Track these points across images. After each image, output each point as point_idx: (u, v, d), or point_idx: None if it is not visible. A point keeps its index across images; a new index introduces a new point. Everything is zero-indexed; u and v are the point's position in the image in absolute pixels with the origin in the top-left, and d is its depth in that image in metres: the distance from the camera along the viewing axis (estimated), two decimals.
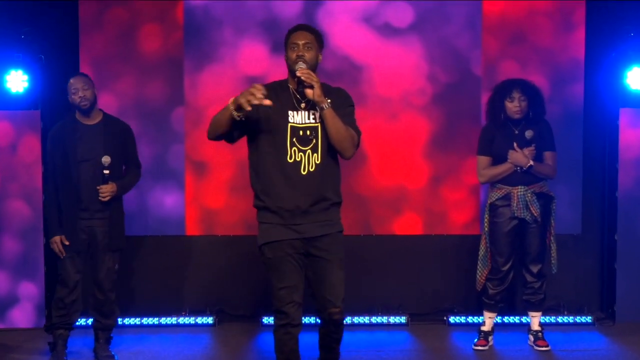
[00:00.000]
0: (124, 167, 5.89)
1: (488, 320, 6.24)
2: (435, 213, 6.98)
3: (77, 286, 5.80)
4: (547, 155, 6.06)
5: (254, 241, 6.56)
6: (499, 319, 6.64)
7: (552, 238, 6.09)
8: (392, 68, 6.89)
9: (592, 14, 6.89)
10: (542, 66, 6.87)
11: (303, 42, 4.47)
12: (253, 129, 4.44)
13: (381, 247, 6.95)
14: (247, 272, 6.91)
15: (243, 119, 4.31)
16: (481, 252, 6.17)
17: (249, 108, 4.23)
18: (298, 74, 4.35)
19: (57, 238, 5.71)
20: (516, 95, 5.95)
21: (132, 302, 6.88)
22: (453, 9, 6.89)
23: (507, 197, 6.01)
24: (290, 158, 4.40)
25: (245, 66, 6.87)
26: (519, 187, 5.98)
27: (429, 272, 7.00)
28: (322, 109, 4.39)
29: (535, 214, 5.96)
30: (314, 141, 4.44)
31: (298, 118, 4.45)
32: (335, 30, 6.79)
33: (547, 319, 6.72)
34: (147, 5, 6.85)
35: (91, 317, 6.00)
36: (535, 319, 6.20)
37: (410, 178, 6.97)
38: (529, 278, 6.11)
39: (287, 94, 4.50)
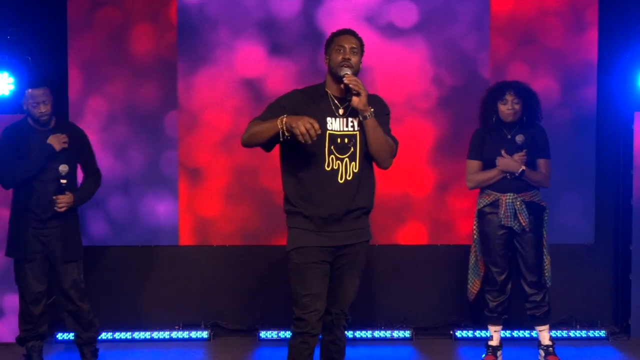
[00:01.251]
0: (82, 175, 5.94)
1: (494, 334, 6.18)
2: (441, 222, 6.92)
3: (41, 298, 5.81)
4: (541, 162, 6.01)
5: (251, 251, 6.83)
6: (507, 333, 6.60)
7: (545, 250, 6.03)
8: (396, 70, 6.84)
9: (605, 13, 6.84)
10: (552, 68, 6.83)
11: (350, 46, 4.53)
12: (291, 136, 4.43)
13: (384, 258, 6.89)
14: (243, 284, 6.90)
15: (289, 139, 4.33)
16: (471, 261, 6.18)
17: (302, 141, 4.25)
18: (346, 80, 4.40)
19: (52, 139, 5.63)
20: (509, 97, 5.91)
21: (123, 316, 6.82)
22: (460, 8, 6.83)
23: (495, 204, 5.99)
24: (328, 166, 4.46)
25: (241, 68, 6.83)
26: (508, 194, 5.94)
27: (435, 284, 6.94)
28: (365, 118, 4.44)
29: (524, 224, 5.92)
30: (352, 149, 4.50)
31: (336, 125, 4.50)
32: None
33: (558, 333, 6.66)
34: (138, 5, 6.80)
35: (72, 332, 6.03)
36: (544, 333, 6.13)
37: (415, 185, 6.92)
38: (527, 290, 6.06)
39: (325, 99, 4.53)
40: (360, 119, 4.47)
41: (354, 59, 4.51)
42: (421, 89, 6.87)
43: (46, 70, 6.58)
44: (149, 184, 6.85)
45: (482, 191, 6.08)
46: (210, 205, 6.89)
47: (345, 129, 4.51)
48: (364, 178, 4.55)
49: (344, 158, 4.48)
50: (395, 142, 4.65)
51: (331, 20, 6.74)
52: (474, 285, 6.19)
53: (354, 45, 4.55)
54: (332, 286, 4.61)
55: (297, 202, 4.53)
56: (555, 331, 6.50)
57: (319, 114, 4.46)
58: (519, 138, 5.89)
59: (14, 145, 5.72)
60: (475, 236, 6.12)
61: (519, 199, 5.93)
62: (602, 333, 6.82)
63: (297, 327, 4.54)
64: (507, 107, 5.92)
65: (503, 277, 6.03)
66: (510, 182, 5.94)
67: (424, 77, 6.86)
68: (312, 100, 4.50)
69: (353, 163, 4.49)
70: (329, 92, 4.55)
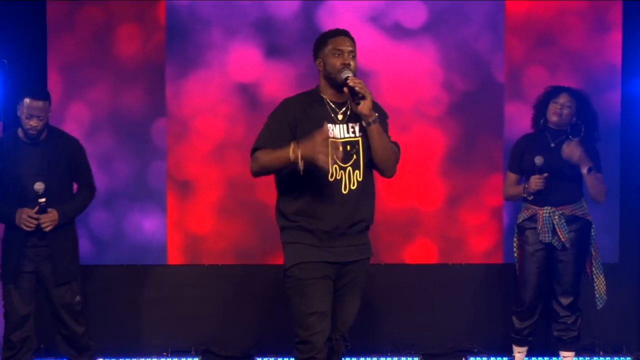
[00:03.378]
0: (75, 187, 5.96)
1: (517, 355, 6.18)
2: (453, 239, 6.86)
3: (26, 321, 5.78)
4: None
5: (246, 271, 6.78)
6: None
7: (593, 269, 6.03)
8: (403, 74, 6.79)
9: (629, 13, 6.78)
10: (573, 72, 6.76)
11: (349, 49, 4.51)
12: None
13: (390, 278, 6.80)
14: (237, 306, 6.83)
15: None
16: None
17: (328, 170, 4.33)
18: (351, 83, 4.38)
19: (21, 214, 5.63)
20: (563, 98, 5.97)
21: (107, 341, 6.66)
22: (472, 7, 6.78)
23: (533, 219, 6.00)
24: (332, 177, 4.46)
25: (235, 72, 6.77)
26: (545, 207, 5.93)
27: (445, 306, 6.84)
28: (369, 123, 4.42)
29: (564, 240, 5.89)
30: (355, 157, 4.50)
31: (337, 132, 4.50)
32: None
33: None
34: (124, 4, 6.76)
35: (66, 358, 6.00)
36: None
37: (424, 199, 6.85)
38: (560, 312, 6.02)
39: (322, 105, 4.53)
40: (364, 124, 4.45)
41: (353, 63, 4.50)
42: (430, 95, 6.82)
43: (23, 74, 6.53)
44: (135, 198, 6.78)
45: (522, 204, 6.09)
46: (201, 221, 6.84)
47: (347, 135, 4.51)
48: (367, 188, 4.56)
49: (347, 167, 4.48)
50: (398, 148, 4.65)
51: (332, 20, 6.66)
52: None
53: (352, 48, 4.52)
54: (334, 307, 4.56)
55: (296, 217, 4.50)
56: (576, 358, 6.38)
57: (317, 120, 4.42)
58: (538, 160, 5.88)
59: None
60: (515, 254, 6.15)
61: (557, 212, 5.91)
62: None
63: (302, 351, 4.46)
64: (556, 107, 5.96)
65: (532, 298, 6.01)
66: (549, 195, 5.90)
67: (434, 82, 6.81)
68: (309, 107, 4.49)
69: (357, 171, 4.49)
70: (325, 97, 4.54)
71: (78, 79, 6.69)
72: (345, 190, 4.46)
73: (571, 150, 5.84)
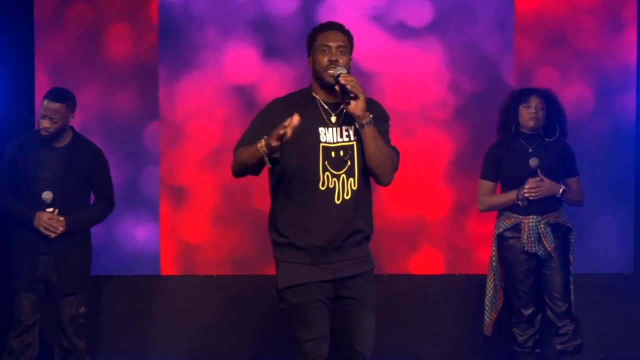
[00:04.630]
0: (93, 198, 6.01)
1: None
2: (459, 249, 6.82)
3: (31, 328, 5.82)
4: (573, 182, 6.07)
5: (242, 282, 6.72)
6: None
7: (569, 278, 6.01)
8: (408, 76, 6.76)
9: None
10: (585, 73, 6.75)
11: (337, 44, 4.33)
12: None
13: (394, 289, 6.72)
14: (234, 319, 6.80)
15: (276, 165, 4.21)
16: (489, 292, 6.17)
17: (279, 143, 4.06)
18: (342, 81, 4.19)
19: (41, 216, 5.70)
20: (534, 101, 5.95)
21: (98, 355, 6.71)
22: (480, 6, 6.75)
23: (517, 228, 5.97)
24: (323, 185, 4.30)
25: (231, 73, 6.75)
26: (531, 216, 5.90)
27: (451, 318, 6.81)
28: (363, 125, 4.24)
29: (549, 249, 5.90)
30: (349, 163, 4.33)
31: (330, 136, 4.34)
32: None
33: None
34: (114, 2, 6.76)
35: None
36: None
37: (429, 207, 6.81)
38: (557, 322, 6.00)
39: (314, 106, 4.37)
40: (357, 127, 4.27)
41: (342, 60, 4.30)
42: (436, 97, 6.79)
43: (10, 76, 6.53)
44: (126, 206, 6.70)
45: (500, 213, 6.05)
46: (196, 230, 6.81)
47: (340, 139, 4.33)
48: (362, 196, 4.38)
49: (340, 174, 4.30)
50: (397, 153, 4.48)
51: (333, 18, 6.26)
52: (490, 318, 6.15)
53: (342, 43, 4.33)
54: (343, 332, 4.40)
55: (287, 231, 4.36)
56: None
57: (309, 123, 4.27)
58: (533, 162, 5.87)
59: (17, 165, 5.80)
60: (494, 263, 6.08)
61: (543, 221, 5.89)
62: None
63: None
64: (530, 111, 5.93)
65: (530, 310, 6.01)
66: (533, 204, 5.88)
67: (440, 84, 6.79)
68: (300, 108, 4.26)
69: (351, 179, 4.31)
70: (318, 97, 4.38)
71: (67, 80, 6.59)
72: (338, 200, 4.29)
73: (539, 190, 5.87)
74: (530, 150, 5.92)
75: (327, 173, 4.28)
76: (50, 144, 5.77)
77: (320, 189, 4.27)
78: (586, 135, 6.48)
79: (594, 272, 6.56)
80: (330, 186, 4.28)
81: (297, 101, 4.36)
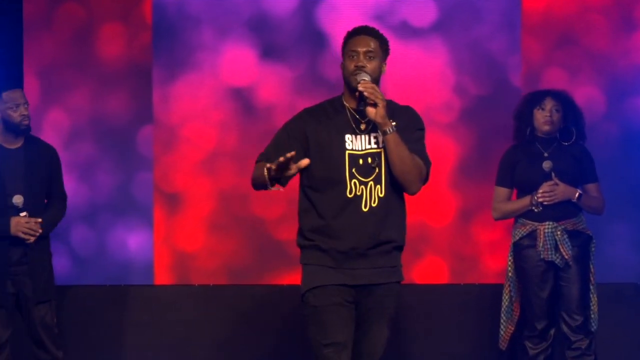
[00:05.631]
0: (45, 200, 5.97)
1: None
2: (465, 257, 6.77)
3: (4, 347, 5.77)
4: (592, 187, 5.99)
5: (239, 292, 6.83)
6: None
7: (592, 288, 5.95)
8: (411, 77, 6.71)
9: None
10: (596, 75, 6.70)
11: (364, 49, 4.35)
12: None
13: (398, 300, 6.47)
14: (230, 331, 6.76)
15: (282, 188, 4.27)
16: (504, 303, 6.11)
17: (279, 174, 4.15)
18: (360, 87, 4.22)
19: (19, 221, 5.66)
20: (549, 104, 5.91)
21: None
22: (486, 5, 6.71)
23: (532, 235, 5.90)
24: (350, 192, 4.31)
25: (228, 75, 6.72)
26: (547, 223, 5.83)
27: (458, 330, 6.77)
28: (384, 133, 4.27)
29: (567, 257, 5.81)
30: (377, 170, 4.35)
31: (357, 144, 4.36)
32: (340, 30, 6.27)
33: None
34: (106, 1, 6.77)
35: None
36: None
37: (434, 213, 6.74)
38: (571, 336, 5.91)
39: (342, 114, 4.41)
40: (380, 133, 4.34)
41: (370, 65, 4.32)
42: (441, 100, 6.75)
43: None
44: (119, 212, 6.74)
45: (516, 220, 5.98)
46: (191, 237, 6.78)
47: (368, 146, 4.36)
48: (392, 204, 4.38)
49: (368, 182, 4.32)
50: (427, 163, 4.45)
51: (334, 18, 6.68)
52: (506, 331, 6.07)
53: (370, 48, 4.35)
54: (355, 338, 4.40)
55: (312, 235, 4.36)
56: None
57: (335, 131, 4.35)
58: (546, 165, 5.83)
59: None
60: (510, 273, 6.02)
61: (559, 227, 5.81)
62: None
63: None
64: (545, 114, 5.88)
65: (543, 324, 5.91)
66: (549, 209, 5.82)
67: (444, 86, 6.75)
68: (326, 117, 4.37)
69: (378, 186, 4.33)
70: (347, 105, 4.41)
71: (57, 82, 6.67)
72: (365, 207, 4.30)
73: (553, 194, 5.82)
74: (546, 154, 5.88)
75: (354, 180, 4.31)
76: (14, 138, 5.72)
77: (347, 197, 4.31)
78: (597, 139, 6.36)
79: (605, 282, 6.39)
80: (358, 193, 4.32)
81: (324, 110, 4.41)
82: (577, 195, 5.83)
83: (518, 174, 5.95)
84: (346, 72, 4.36)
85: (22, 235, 5.58)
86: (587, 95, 6.51)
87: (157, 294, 6.80)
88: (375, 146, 4.36)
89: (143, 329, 6.76)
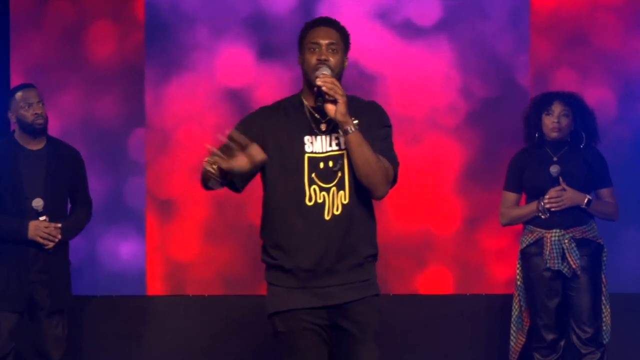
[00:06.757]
0: (69, 205, 5.91)
1: None
2: (471, 266, 6.72)
3: (6, 358, 5.72)
4: (605, 193, 5.96)
5: (235, 303, 6.88)
6: None
7: (604, 298, 5.91)
8: (415, 78, 6.70)
9: None
10: (607, 76, 6.67)
11: (327, 41, 4.15)
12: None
13: (400, 311, 6.62)
14: (225, 343, 6.74)
15: (226, 183, 4.10)
16: (514, 313, 6.07)
17: (216, 172, 4.00)
18: (319, 82, 4.03)
19: (38, 226, 5.59)
20: (557, 108, 5.85)
21: None
22: (492, 3, 6.71)
23: (539, 243, 5.89)
24: (310, 200, 4.12)
25: (224, 76, 6.72)
26: (554, 230, 5.81)
27: (464, 342, 6.73)
28: (345, 132, 4.06)
29: (575, 266, 5.78)
30: (340, 175, 4.14)
31: (317, 145, 4.16)
32: None
33: None
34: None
35: None
36: None
37: (438, 221, 6.72)
38: (582, 348, 5.88)
39: (301, 113, 4.22)
40: (341, 133, 4.12)
41: (333, 59, 4.12)
42: (446, 102, 6.73)
43: None
44: (110, 219, 6.72)
45: (524, 227, 5.96)
46: (185, 246, 6.76)
47: (329, 148, 4.16)
48: (358, 211, 4.18)
49: (330, 187, 4.13)
50: (394, 163, 4.24)
51: (334, 15, 6.34)
52: (517, 342, 6.01)
53: (333, 40, 4.15)
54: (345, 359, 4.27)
55: (274, 252, 4.19)
56: None
57: (294, 132, 4.16)
58: (554, 169, 5.78)
59: None
60: (518, 282, 5.99)
61: (567, 235, 5.77)
62: None
63: None
64: (552, 120, 5.83)
65: (552, 336, 5.88)
66: (557, 216, 5.78)
67: (450, 87, 6.72)
68: (285, 116, 4.18)
69: (342, 192, 4.12)
70: (307, 103, 4.21)
71: (45, 83, 6.58)
72: (327, 215, 4.11)
73: (560, 200, 5.79)
74: (555, 158, 5.86)
75: (314, 186, 4.13)
76: (34, 138, 5.70)
77: (306, 204, 4.12)
78: (608, 142, 6.27)
79: (616, 292, 6.28)
80: (319, 201, 4.13)
81: (284, 108, 4.23)
82: (586, 201, 5.79)
83: (526, 178, 5.92)
84: (306, 67, 4.17)
85: (41, 240, 5.55)
86: (597, 97, 6.49)
87: (150, 304, 6.80)
88: (337, 148, 4.16)
89: (135, 342, 6.75)
